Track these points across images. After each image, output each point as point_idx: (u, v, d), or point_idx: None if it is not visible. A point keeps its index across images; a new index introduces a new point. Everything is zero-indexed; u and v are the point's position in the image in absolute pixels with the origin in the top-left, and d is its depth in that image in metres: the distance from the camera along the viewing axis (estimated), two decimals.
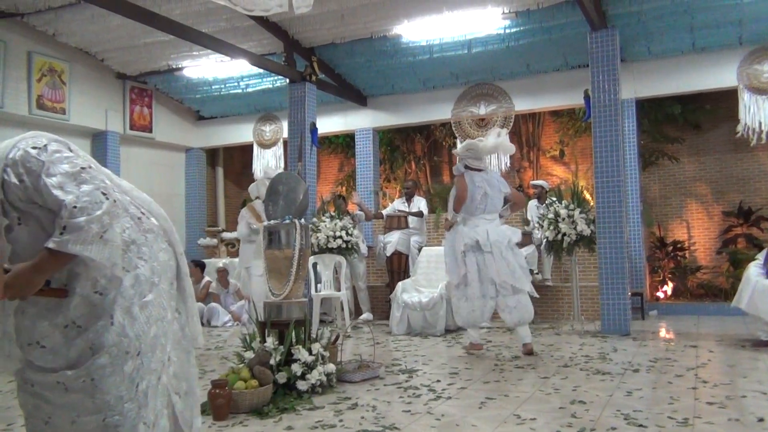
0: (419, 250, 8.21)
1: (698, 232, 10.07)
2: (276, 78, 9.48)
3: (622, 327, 6.58)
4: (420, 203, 8.72)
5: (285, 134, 9.98)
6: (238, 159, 12.53)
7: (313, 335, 4.37)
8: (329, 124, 10.09)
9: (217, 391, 3.52)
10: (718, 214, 9.90)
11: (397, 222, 8.50)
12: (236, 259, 8.39)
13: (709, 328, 6.97)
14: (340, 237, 7.80)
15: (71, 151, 1.79)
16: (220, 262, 9.36)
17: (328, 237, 7.80)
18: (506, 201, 5.72)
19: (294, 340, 4.13)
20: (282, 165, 10.51)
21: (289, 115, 8.70)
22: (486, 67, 8.91)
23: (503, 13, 7.49)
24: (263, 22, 7.87)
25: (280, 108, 10.31)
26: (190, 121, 11.49)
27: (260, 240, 5.81)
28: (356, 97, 9.92)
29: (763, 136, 7.77)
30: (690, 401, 3.67)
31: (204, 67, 9.44)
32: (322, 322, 7.74)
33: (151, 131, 10.56)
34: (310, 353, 4.09)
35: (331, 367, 4.20)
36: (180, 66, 9.42)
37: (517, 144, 11.09)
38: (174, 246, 2.03)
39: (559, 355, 5.37)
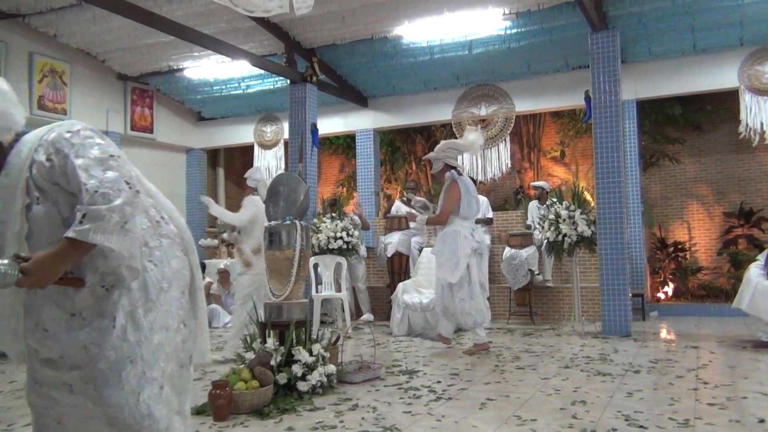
0: (420, 250, 8.22)
1: (699, 233, 10.07)
2: (277, 79, 9.48)
3: (623, 328, 6.57)
4: None
5: (286, 135, 9.98)
6: (239, 160, 12.53)
7: (314, 336, 4.37)
8: (330, 124, 10.10)
9: (218, 391, 3.52)
10: (719, 215, 9.90)
11: (398, 223, 8.50)
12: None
13: (710, 329, 6.97)
14: (341, 238, 7.81)
15: (103, 139, 1.80)
16: (222, 263, 9.36)
17: (328, 238, 7.80)
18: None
19: (294, 341, 4.13)
20: (283, 166, 10.52)
21: (289, 116, 8.71)
22: (487, 68, 8.91)
23: (504, 14, 7.49)
24: (264, 23, 7.87)
25: (281, 109, 10.32)
26: (191, 121, 11.50)
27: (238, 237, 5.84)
28: (357, 98, 9.93)
29: (766, 136, 7.78)
30: (691, 402, 3.67)
31: (205, 68, 9.45)
32: (322, 323, 7.74)
33: (152, 132, 10.57)
34: (311, 354, 4.09)
35: (331, 368, 4.20)
36: (181, 67, 9.42)
37: (518, 145, 11.11)
38: (189, 256, 1.99)
39: (560, 356, 5.37)
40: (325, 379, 4.10)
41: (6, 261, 1.62)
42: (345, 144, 11.95)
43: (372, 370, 4.59)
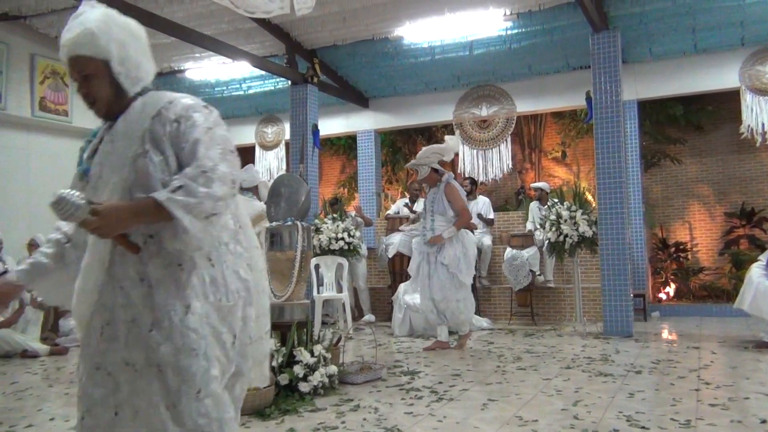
0: None
1: (700, 234, 10.06)
2: (278, 80, 9.49)
3: (625, 328, 6.57)
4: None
5: (287, 136, 9.99)
6: (240, 160, 12.51)
7: (315, 337, 4.37)
8: (331, 125, 10.10)
9: None
10: (721, 215, 9.90)
11: (399, 223, 8.50)
12: None
13: (712, 330, 6.96)
14: (342, 239, 7.81)
15: (227, 132, 1.81)
16: None
17: (330, 238, 7.80)
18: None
19: (296, 342, 4.13)
20: (284, 167, 10.53)
21: (290, 117, 8.72)
22: (487, 68, 8.91)
23: (505, 14, 7.49)
24: (265, 24, 7.88)
25: (282, 110, 10.32)
26: None
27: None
28: (358, 98, 9.93)
29: (767, 137, 7.77)
30: (692, 403, 3.67)
31: (206, 69, 9.46)
32: (323, 323, 7.74)
33: None
34: (312, 355, 4.09)
35: (333, 368, 4.20)
36: (182, 68, 9.43)
37: (519, 145, 11.12)
38: (255, 274, 1.93)
39: (562, 356, 5.37)
40: (326, 380, 4.09)
41: (83, 195, 1.59)
42: (346, 145, 11.96)
43: (373, 370, 4.59)
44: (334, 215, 8.12)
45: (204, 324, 1.71)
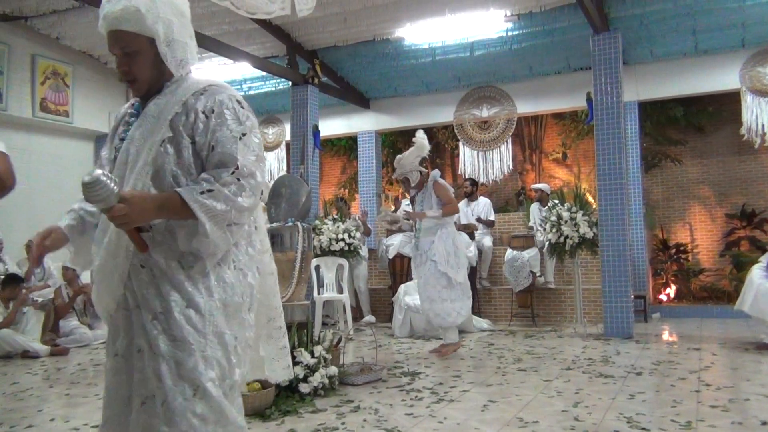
0: None
1: (701, 235, 10.06)
2: (278, 81, 9.49)
3: (625, 330, 6.57)
4: None
5: (287, 137, 9.99)
6: None
7: (316, 338, 4.37)
8: (332, 126, 10.11)
9: None
10: (721, 216, 9.90)
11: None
12: None
13: (712, 331, 6.96)
14: (343, 240, 7.81)
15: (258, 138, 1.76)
16: None
17: (330, 240, 7.81)
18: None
19: (296, 343, 4.13)
20: (284, 167, 10.53)
21: (291, 118, 8.72)
22: (488, 69, 8.92)
23: (505, 15, 7.49)
24: (266, 25, 7.89)
25: (283, 110, 10.33)
26: None
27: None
28: (359, 99, 9.93)
29: (767, 138, 7.77)
30: (693, 404, 3.66)
31: (207, 70, 9.45)
32: (324, 324, 7.74)
33: None
34: (313, 356, 4.09)
35: (333, 369, 4.20)
36: None
37: (520, 147, 11.12)
38: (266, 278, 1.91)
39: (562, 357, 5.37)
40: (326, 381, 4.10)
41: (116, 180, 1.52)
42: (346, 146, 11.96)
43: (374, 371, 4.59)
44: (335, 216, 8.13)
45: (206, 322, 1.66)
